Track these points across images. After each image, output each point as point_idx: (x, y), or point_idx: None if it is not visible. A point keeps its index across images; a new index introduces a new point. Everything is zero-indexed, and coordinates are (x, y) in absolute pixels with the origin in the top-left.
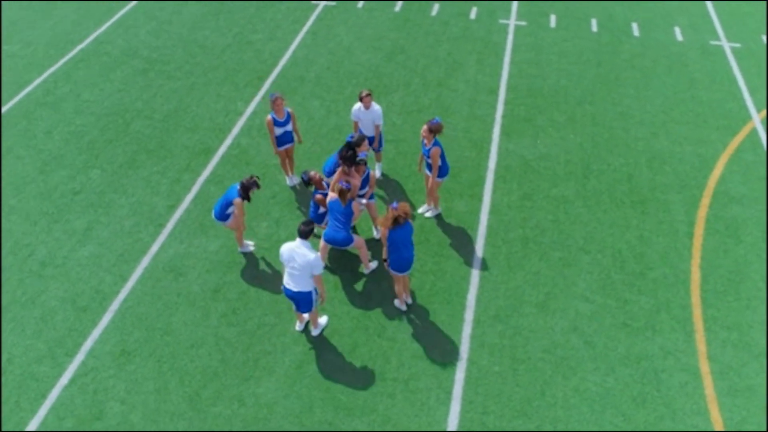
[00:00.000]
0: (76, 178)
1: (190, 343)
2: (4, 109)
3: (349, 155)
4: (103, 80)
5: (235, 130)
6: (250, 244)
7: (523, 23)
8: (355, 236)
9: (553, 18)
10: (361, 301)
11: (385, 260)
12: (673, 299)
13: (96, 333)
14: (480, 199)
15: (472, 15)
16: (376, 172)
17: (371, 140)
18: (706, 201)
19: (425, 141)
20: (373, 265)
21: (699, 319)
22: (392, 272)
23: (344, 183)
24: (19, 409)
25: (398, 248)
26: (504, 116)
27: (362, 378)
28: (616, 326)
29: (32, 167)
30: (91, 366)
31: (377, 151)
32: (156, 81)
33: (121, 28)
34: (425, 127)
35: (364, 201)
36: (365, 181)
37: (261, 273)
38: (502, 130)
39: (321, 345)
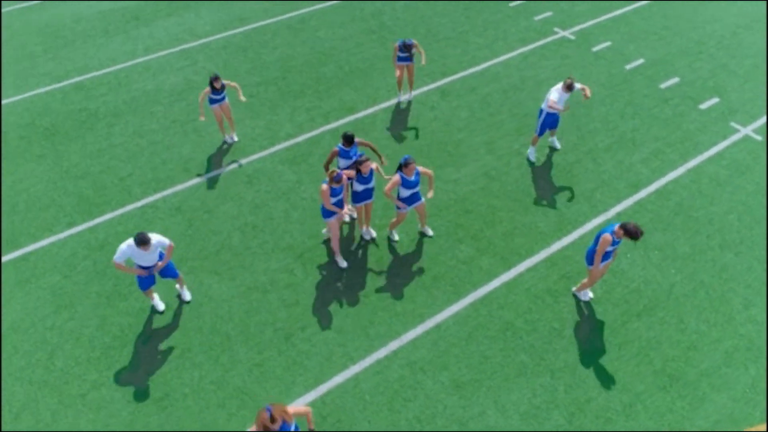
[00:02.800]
0: (259, 87)
1: (212, 228)
2: (266, 22)
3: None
4: (339, 27)
5: (383, 105)
6: None
7: (759, 138)
8: (327, 220)
9: None
10: (342, 276)
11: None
12: None
13: (177, 188)
14: (508, 269)
15: (705, 105)
16: (556, 145)
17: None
18: None
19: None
20: (341, 262)
21: None
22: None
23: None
24: (104, 210)
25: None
26: (620, 214)
27: (275, 326)
28: None
29: (246, 69)
30: (157, 205)
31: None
32: (371, 43)
33: None
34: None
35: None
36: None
37: (297, 218)
38: (603, 224)
39: (277, 284)
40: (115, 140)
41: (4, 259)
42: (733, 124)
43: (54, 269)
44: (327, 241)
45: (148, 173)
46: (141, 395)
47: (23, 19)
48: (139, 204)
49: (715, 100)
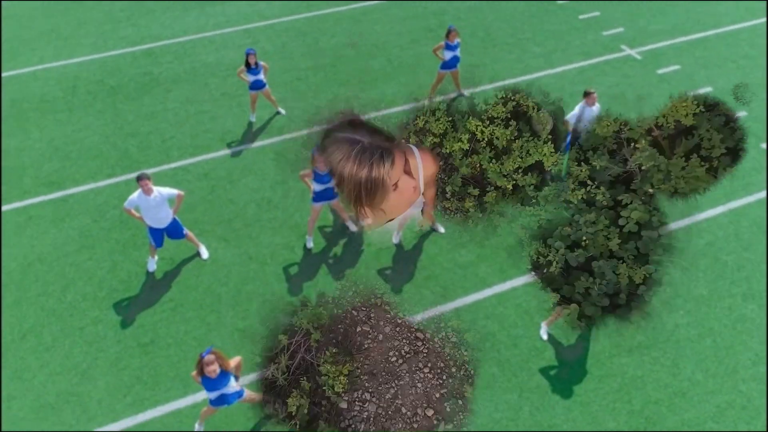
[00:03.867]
0: (308, 71)
1: (231, 197)
2: (331, 10)
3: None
4: (398, 22)
5: (417, 104)
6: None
7: None
8: (313, 204)
9: None
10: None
11: None
12: None
13: (210, 156)
14: (504, 280)
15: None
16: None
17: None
18: None
19: None
20: (309, 241)
21: None
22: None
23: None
24: (143, 167)
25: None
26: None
27: (264, 298)
28: None
29: (301, 52)
30: (188, 169)
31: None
32: (426, 40)
33: None
34: None
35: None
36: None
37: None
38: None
39: (276, 259)
40: (168, 105)
41: (48, 197)
42: None
43: (86, 213)
44: (336, 224)
45: (188, 139)
46: (130, 337)
47: None
48: (173, 165)
49: None
